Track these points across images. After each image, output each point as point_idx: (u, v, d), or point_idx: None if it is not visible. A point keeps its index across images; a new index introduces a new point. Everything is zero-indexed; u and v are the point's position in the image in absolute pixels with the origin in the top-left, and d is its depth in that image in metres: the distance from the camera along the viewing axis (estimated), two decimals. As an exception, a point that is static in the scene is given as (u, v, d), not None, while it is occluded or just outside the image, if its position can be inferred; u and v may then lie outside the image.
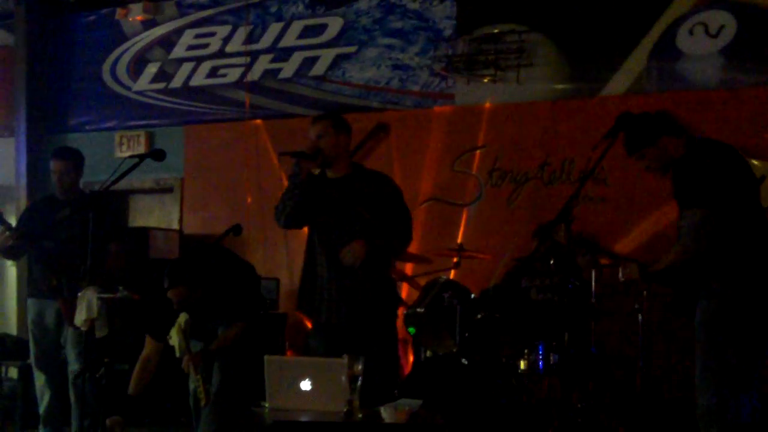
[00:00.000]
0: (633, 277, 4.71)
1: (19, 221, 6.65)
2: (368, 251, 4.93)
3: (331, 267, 5.05)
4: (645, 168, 4.88)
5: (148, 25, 9.70)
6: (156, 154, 5.51)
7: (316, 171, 5.06)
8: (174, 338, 5.54)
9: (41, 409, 6.54)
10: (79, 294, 5.84)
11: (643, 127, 4.76)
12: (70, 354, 6.40)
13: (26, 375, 7.56)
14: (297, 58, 8.94)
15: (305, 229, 5.29)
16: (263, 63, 9.09)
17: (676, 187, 4.61)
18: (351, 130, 5.26)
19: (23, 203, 9.00)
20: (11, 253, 6.56)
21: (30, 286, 6.61)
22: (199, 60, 9.40)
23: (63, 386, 6.47)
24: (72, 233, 6.32)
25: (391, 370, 5.21)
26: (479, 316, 6.54)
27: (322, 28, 8.84)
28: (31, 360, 6.61)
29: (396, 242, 5.23)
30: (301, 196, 4.97)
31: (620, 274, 4.77)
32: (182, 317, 5.54)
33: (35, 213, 6.68)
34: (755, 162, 7.03)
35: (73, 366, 6.35)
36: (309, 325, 8.07)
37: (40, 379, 6.54)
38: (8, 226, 6.33)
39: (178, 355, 5.60)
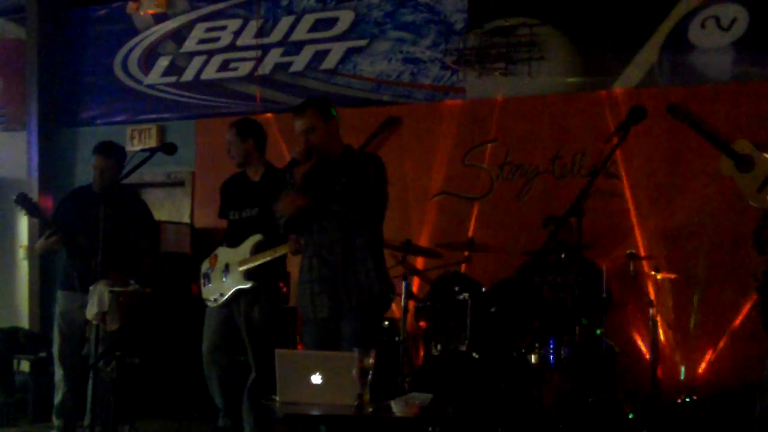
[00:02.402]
0: None
1: (56, 212, 6.63)
2: (303, 205, 4.75)
3: (313, 257, 4.93)
4: None
5: (159, 18, 9.71)
6: (167, 148, 5.52)
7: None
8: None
9: (56, 401, 6.55)
10: (91, 288, 5.85)
11: None
12: (94, 348, 6.39)
13: (38, 368, 7.59)
14: (308, 51, 8.93)
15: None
16: (274, 56, 9.09)
17: None
18: (335, 112, 4.99)
19: (35, 197, 9.02)
20: (51, 252, 6.61)
21: (61, 279, 6.58)
22: (210, 53, 9.41)
23: (81, 381, 6.47)
24: (106, 229, 6.30)
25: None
26: (491, 310, 6.54)
27: (333, 21, 8.84)
28: (54, 352, 6.58)
29: (354, 208, 4.83)
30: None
31: None
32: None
33: (72, 205, 6.63)
34: (766, 155, 7.00)
35: (95, 360, 6.35)
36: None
37: (59, 372, 6.53)
38: (55, 230, 6.32)
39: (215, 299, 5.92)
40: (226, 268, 5.91)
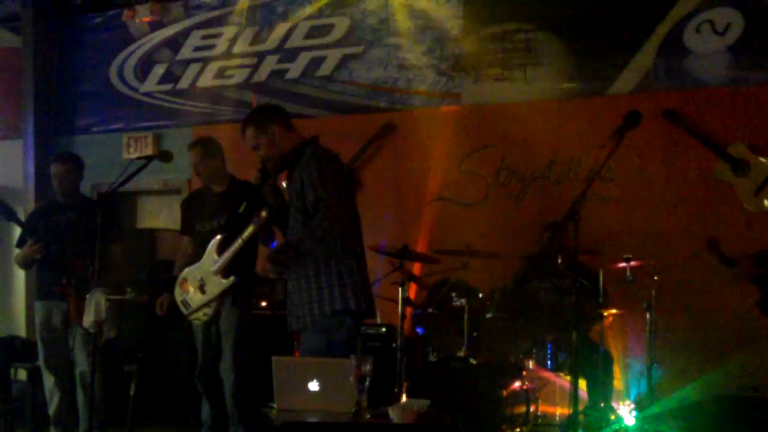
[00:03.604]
0: None
1: (25, 227, 6.67)
2: (275, 259, 4.70)
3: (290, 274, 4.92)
4: None
5: (155, 26, 9.71)
6: (163, 156, 5.54)
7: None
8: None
9: (51, 411, 6.57)
10: (87, 296, 5.86)
11: None
12: (79, 355, 6.42)
13: (35, 377, 7.57)
14: (304, 58, 8.93)
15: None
16: (270, 64, 9.09)
17: None
18: (274, 115, 4.91)
19: (31, 205, 9.01)
20: (30, 264, 6.65)
21: (38, 289, 6.65)
22: (206, 61, 9.41)
23: (72, 387, 6.50)
24: (76, 236, 6.35)
25: None
26: (488, 315, 6.53)
27: (329, 28, 8.84)
28: (40, 362, 6.64)
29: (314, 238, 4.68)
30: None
31: None
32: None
33: (39, 218, 6.71)
34: (762, 159, 7.02)
35: (82, 367, 6.38)
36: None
37: (49, 380, 6.57)
38: (37, 238, 6.37)
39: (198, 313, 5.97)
40: (202, 282, 5.94)
